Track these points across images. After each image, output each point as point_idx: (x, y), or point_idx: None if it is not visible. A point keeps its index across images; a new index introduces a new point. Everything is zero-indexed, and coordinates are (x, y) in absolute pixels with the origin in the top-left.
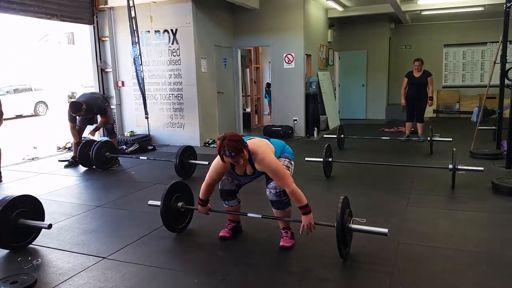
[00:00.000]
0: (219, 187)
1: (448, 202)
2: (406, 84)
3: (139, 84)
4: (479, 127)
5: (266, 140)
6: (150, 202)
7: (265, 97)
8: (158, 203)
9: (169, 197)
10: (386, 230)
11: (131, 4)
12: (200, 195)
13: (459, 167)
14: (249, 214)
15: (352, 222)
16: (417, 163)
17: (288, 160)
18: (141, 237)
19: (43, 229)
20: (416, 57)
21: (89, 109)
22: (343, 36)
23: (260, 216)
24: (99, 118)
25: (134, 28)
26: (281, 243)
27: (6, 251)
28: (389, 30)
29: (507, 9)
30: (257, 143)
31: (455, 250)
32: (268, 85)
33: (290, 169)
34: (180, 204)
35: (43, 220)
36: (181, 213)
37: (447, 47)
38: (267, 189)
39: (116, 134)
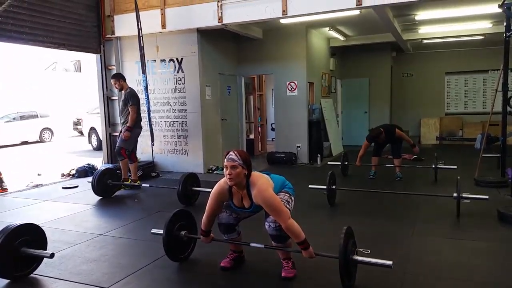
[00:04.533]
0: (217, 221)
1: (454, 231)
2: (367, 147)
3: (148, 111)
4: (483, 155)
5: (267, 176)
6: (153, 230)
7: None
8: (161, 231)
9: (172, 225)
10: (390, 263)
11: (140, 34)
12: (202, 226)
13: (463, 195)
14: (252, 244)
15: (356, 254)
16: (421, 191)
17: (288, 195)
18: (143, 267)
19: (45, 258)
20: (418, 84)
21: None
22: (345, 64)
23: (263, 246)
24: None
25: (143, 58)
26: (283, 274)
27: (7, 281)
28: (391, 59)
29: (507, 38)
30: (257, 176)
31: (462, 280)
32: None
33: (290, 204)
34: (183, 232)
35: (45, 248)
36: (184, 242)
37: (448, 75)
38: (266, 223)
39: (124, 157)
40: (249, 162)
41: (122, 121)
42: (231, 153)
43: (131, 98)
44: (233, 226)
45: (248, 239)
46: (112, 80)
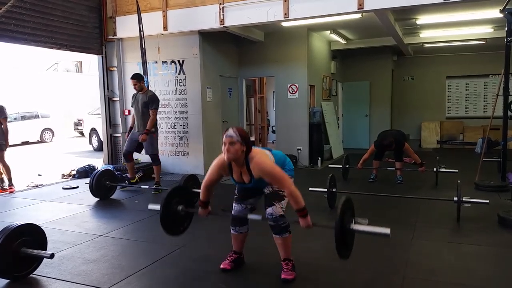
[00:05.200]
0: (233, 214)
1: (454, 235)
2: (373, 152)
3: None
4: (483, 159)
5: (267, 151)
6: (150, 206)
7: None
8: (158, 207)
9: (169, 201)
10: (388, 231)
11: (142, 36)
12: (200, 197)
13: (464, 199)
14: (250, 216)
15: (355, 223)
16: (422, 195)
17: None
18: (143, 268)
19: (45, 259)
20: (419, 88)
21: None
22: (346, 67)
23: (260, 217)
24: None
25: (145, 59)
26: (282, 276)
27: (6, 281)
28: (392, 62)
29: (508, 43)
30: (256, 151)
31: (461, 285)
32: None
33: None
34: (180, 207)
35: (45, 249)
36: (181, 216)
37: (449, 79)
38: (266, 214)
39: (159, 162)
40: (248, 139)
41: (139, 123)
42: (229, 129)
43: (155, 102)
44: (246, 219)
45: (247, 243)
46: (132, 81)
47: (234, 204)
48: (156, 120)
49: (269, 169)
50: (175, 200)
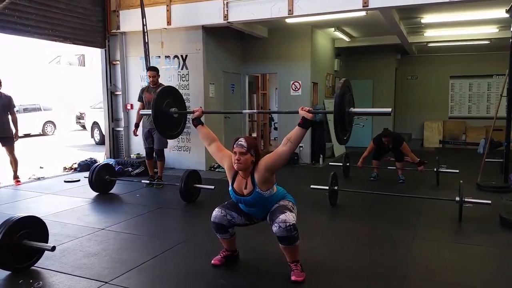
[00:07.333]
0: (211, 219)
1: (455, 235)
2: (372, 149)
3: None
4: (486, 159)
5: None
6: (142, 111)
7: None
8: (149, 111)
9: (160, 102)
10: (389, 110)
11: (145, 30)
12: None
13: (466, 199)
14: (244, 111)
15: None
16: (423, 194)
17: (291, 203)
18: (144, 262)
19: (46, 251)
20: (422, 87)
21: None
22: (350, 65)
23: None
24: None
25: (147, 53)
26: (292, 278)
27: (8, 272)
28: (395, 61)
29: None
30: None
31: (462, 285)
32: None
33: (294, 210)
34: (172, 109)
35: (46, 241)
36: (174, 119)
37: (453, 79)
38: (275, 224)
39: (164, 157)
40: (257, 151)
41: (148, 118)
42: (240, 139)
43: None
44: (225, 227)
45: (248, 240)
46: (151, 73)
47: (215, 209)
48: None
49: (270, 155)
50: (166, 102)
